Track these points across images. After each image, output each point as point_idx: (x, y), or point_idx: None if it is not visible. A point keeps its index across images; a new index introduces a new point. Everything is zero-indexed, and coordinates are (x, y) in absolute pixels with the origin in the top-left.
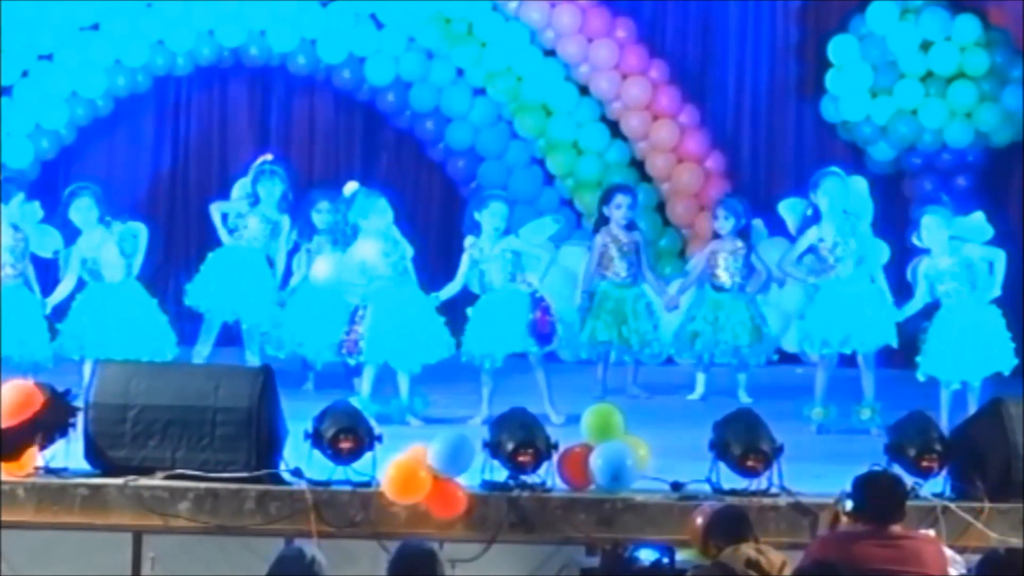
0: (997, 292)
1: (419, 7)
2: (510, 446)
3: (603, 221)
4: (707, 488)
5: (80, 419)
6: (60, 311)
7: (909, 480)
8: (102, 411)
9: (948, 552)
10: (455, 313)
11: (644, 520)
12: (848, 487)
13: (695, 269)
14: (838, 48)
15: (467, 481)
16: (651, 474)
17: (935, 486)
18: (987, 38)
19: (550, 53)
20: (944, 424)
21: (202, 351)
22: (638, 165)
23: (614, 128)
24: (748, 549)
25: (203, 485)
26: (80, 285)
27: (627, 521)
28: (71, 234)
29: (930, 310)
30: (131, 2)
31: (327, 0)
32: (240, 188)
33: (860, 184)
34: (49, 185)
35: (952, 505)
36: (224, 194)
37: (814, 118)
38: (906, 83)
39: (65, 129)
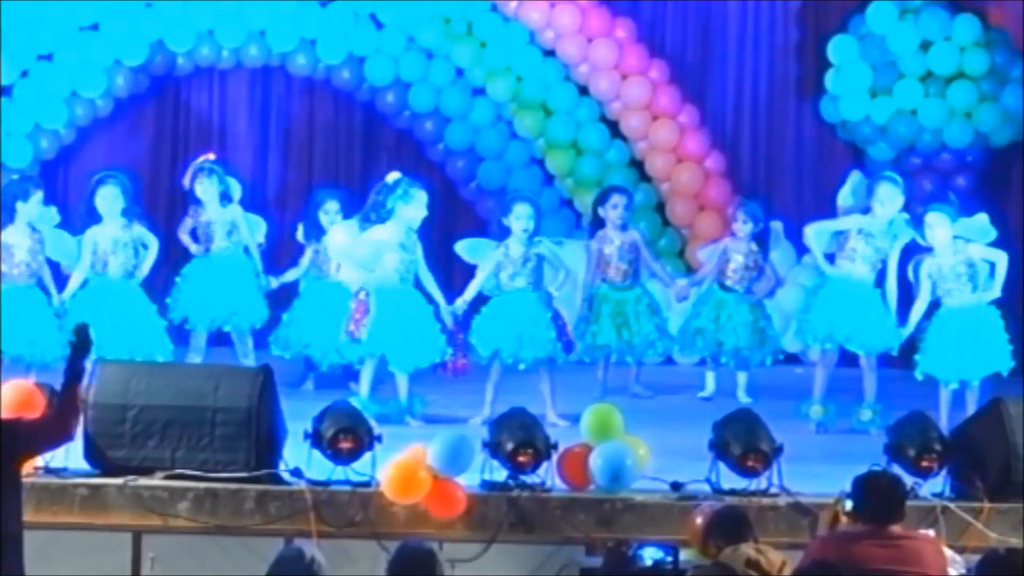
0: (997, 294)
1: (419, 7)
2: (510, 446)
3: (599, 224)
4: (707, 488)
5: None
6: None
7: (909, 480)
8: (102, 411)
9: (948, 552)
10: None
11: (644, 520)
12: (848, 487)
13: (708, 264)
14: (838, 48)
15: (467, 481)
16: (651, 474)
17: (935, 486)
18: (987, 38)
19: (550, 53)
20: (943, 424)
21: (195, 359)
22: (638, 165)
23: (614, 128)
24: (748, 549)
25: (203, 485)
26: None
27: (627, 521)
28: (93, 221)
29: (930, 310)
30: (131, 2)
31: (326, 0)
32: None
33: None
34: (49, 185)
35: (952, 505)
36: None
37: (814, 118)
38: (906, 83)
39: (65, 129)
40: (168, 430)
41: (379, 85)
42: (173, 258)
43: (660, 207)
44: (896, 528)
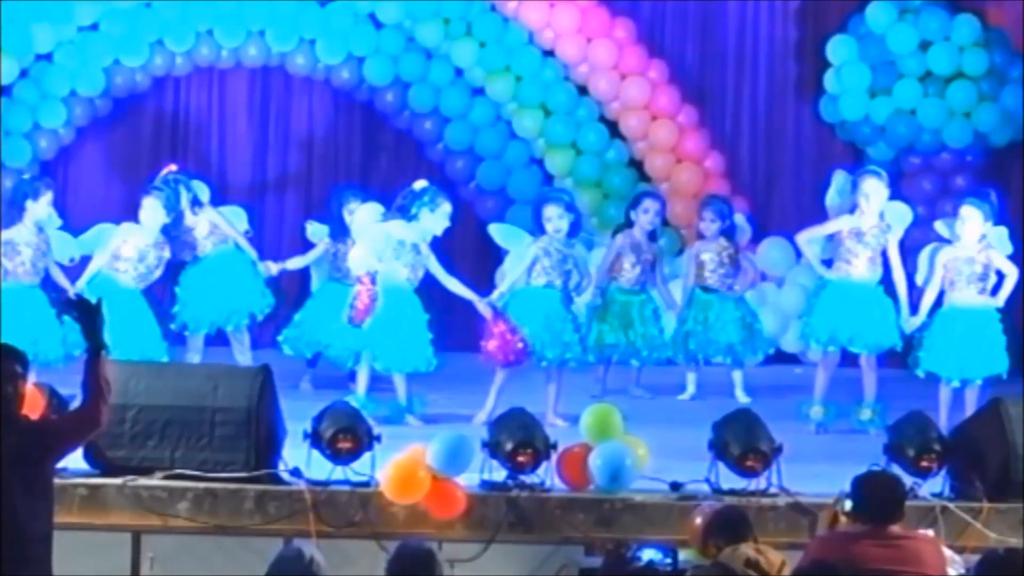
0: (999, 304)
1: (418, 7)
2: (509, 446)
3: (628, 224)
4: (706, 488)
5: None
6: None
7: (908, 480)
8: None
9: (947, 552)
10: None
11: (643, 520)
12: (847, 487)
13: (687, 273)
14: (837, 48)
15: (466, 481)
16: (650, 474)
17: (934, 486)
18: (986, 38)
19: (549, 53)
20: (943, 424)
21: (193, 359)
22: (637, 165)
23: (613, 128)
24: (747, 549)
25: (202, 485)
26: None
27: (626, 521)
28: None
29: (933, 307)
30: (130, 2)
31: (326, 0)
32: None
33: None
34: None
35: (951, 505)
36: (223, 196)
37: (813, 118)
38: (905, 83)
39: (64, 128)
40: (167, 430)
41: (378, 85)
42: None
43: None
44: (895, 528)
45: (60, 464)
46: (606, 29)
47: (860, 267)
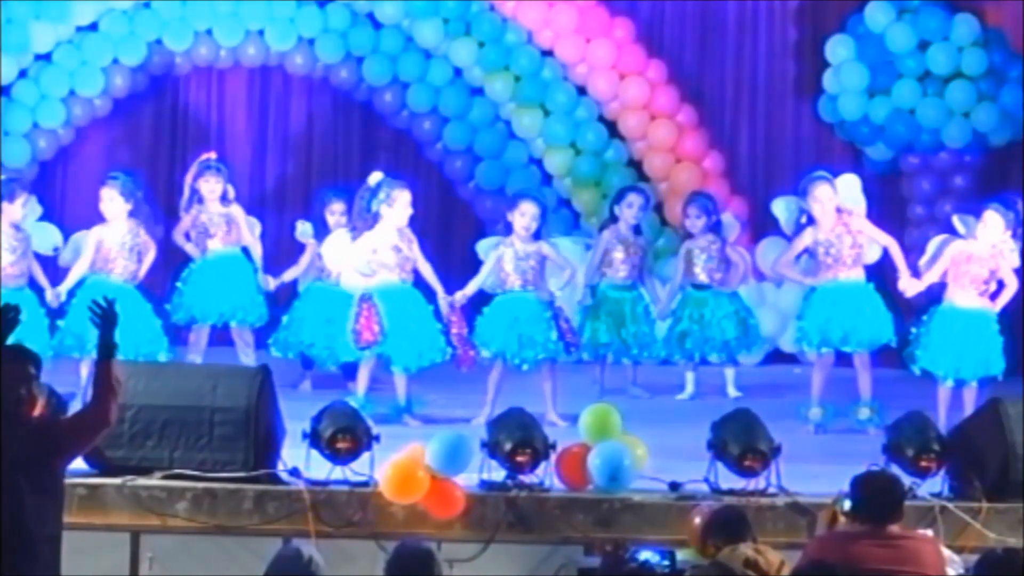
0: (996, 309)
1: (417, 7)
2: (508, 446)
3: (612, 220)
4: (705, 488)
5: None
6: (60, 308)
7: (907, 480)
8: None
9: (946, 552)
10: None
11: (642, 520)
12: (846, 487)
13: (676, 274)
14: (836, 48)
15: (465, 481)
16: (649, 474)
17: (933, 486)
18: (985, 38)
19: (548, 53)
20: (941, 424)
21: (195, 359)
22: (636, 165)
23: (612, 128)
24: (746, 549)
25: (201, 485)
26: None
27: (625, 521)
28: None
29: (932, 306)
30: (129, 2)
31: (324, 0)
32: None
33: (850, 180)
34: (47, 185)
35: (950, 505)
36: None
37: (812, 118)
38: (904, 83)
39: (63, 129)
40: (166, 430)
41: (377, 85)
42: (171, 259)
43: (659, 207)
44: (894, 528)
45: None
46: (605, 29)
47: (843, 269)
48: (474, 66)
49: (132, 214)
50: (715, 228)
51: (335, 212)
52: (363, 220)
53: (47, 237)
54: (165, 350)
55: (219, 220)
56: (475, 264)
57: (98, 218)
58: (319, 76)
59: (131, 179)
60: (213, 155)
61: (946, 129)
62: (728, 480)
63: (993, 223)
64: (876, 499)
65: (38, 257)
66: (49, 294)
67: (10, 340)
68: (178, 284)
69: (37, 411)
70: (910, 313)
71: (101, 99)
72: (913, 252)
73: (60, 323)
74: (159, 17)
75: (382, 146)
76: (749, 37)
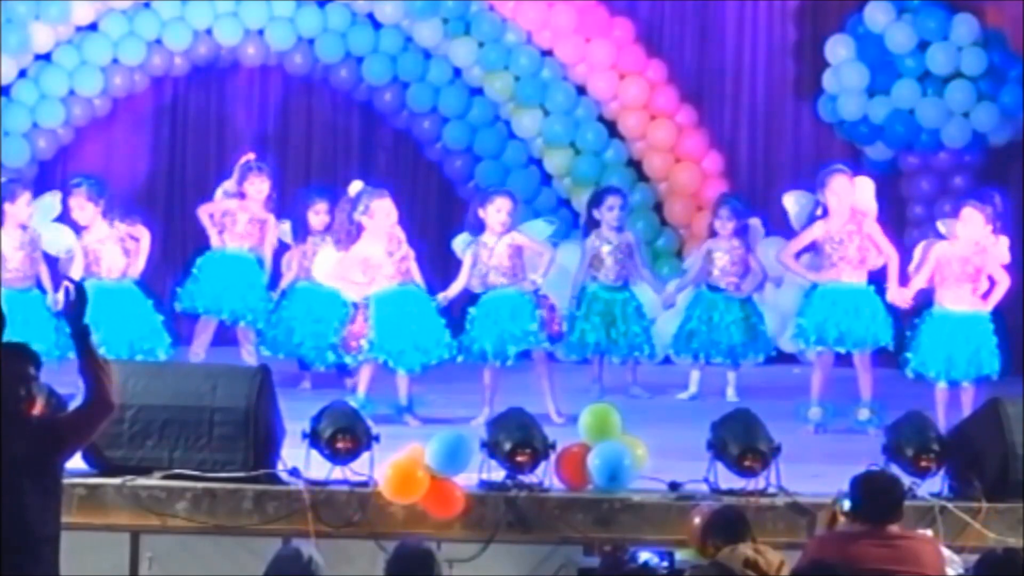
0: (988, 309)
1: (417, 7)
2: (508, 446)
3: (593, 224)
4: (705, 488)
5: None
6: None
7: (907, 480)
8: None
9: (946, 552)
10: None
11: (642, 520)
12: (846, 487)
13: (693, 268)
14: (836, 48)
15: (465, 481)
16: (649, 474)
17: (933, 486)
18: (984, 38)
19: (547, 53)
20: (940, 424)
21: (198, 352)
22: (635, 165)
23: (611, 128)
24: (746, 549)
25: (201, 485)
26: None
27: (625, 521)
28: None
29: (923, 310)
30: (128, 2)
31: (324, 0)
32: (225, 187)
33: (865, 183)
34: (47, 185)
35: (950, 505)
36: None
37: (812, 118)
38: (903, 83)
39: (63, 128)
40: (166, 430)
41: (377, 84)
42: (171, 258)
43: (658, 207)
44: (894, 528)
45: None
46: (604, 29)
47: (846, 269)
48: (474, 66)
49: (104, 214)
50: (741, 232)
51: (319, 212)
52: (346, 232)
53: (60, 239)
54: (166, 347)
55: (253, 219)
56: None
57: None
58: (319, 76)
59: (94, 181)
60: (252, 156)
61: (946, 129)
62: (728, 480)
63: (972, 219)
64: (876, 499)
65: (48, 258)
66: (50, 299)
67: (12, 339)
68: (193, 271)
69: (37, 411)
70: (908, 316)
71: (101, 99)
72: (911, 251)
73: (59, 324)
74: (159, 17)
75: (382, 146)
76: (749, 37)
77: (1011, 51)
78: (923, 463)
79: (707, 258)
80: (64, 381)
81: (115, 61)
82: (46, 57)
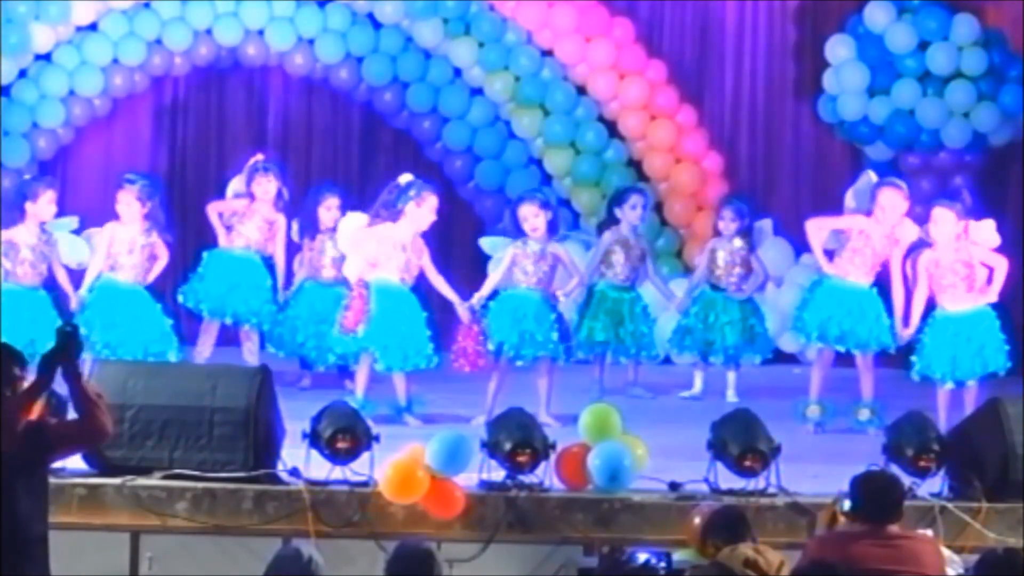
0: (993, 299)
1: (417, 7)
2: (508, 446)
3: (613, 221)
4: (705, 488)
5: None
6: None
7: (907, 480)
8: None
9: (946, 552)
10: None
11: (642, 520)
12: (846, 487)
13: (697, 269)
14: (836, 48)
15: (465, 481)
16: (649, 474)
17: (933, 486)
18: (984, 38)
19: (548, 53)
20: (941, 424)
21: (203, 351)
22: (636, 165)
23: (612, 128)
24: (746, 549)
25: (201, 485)
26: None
27: (625, 521)
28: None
29: (927, 312)
30: (128, 2)
31: (324, 0)
32: (234, 187)
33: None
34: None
35: (950, 505)
36: (222, 194)
37: (812, 118)
38: (904, 83)
39: (63, 128)
40: (166, 430)
41: (377, 85)
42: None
43: (658, 207)
44: (894, 528)
45: (58, 464)
46: (605, 29)
47: (858, 270)
48: (474, 66)
49: (147, 217)
50: (746, 232)
51: (331, 208)
52: (387, 212)
53: (76, 250)
54: (175, 350)
55: (264, 221)
56: (476, 263)
57: (97, 218)
58: (319, 76)
59: (148, 182)
60: (260, 157)
61: (946, 129)
62: (728, 480)
63: (944, 219)
64: (876, 499)
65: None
66: (73, 301)
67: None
68: (199, 269)
69: (36, 412)
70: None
71: (101, 99)
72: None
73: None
74: (159, 17)
75: (382, 146)
76: (749, 37)
77: (1011, 51)
78: (923, 463)
79: (710, 257)
80: (61, 381)
81: (115, 61)
82: (46, 57)
